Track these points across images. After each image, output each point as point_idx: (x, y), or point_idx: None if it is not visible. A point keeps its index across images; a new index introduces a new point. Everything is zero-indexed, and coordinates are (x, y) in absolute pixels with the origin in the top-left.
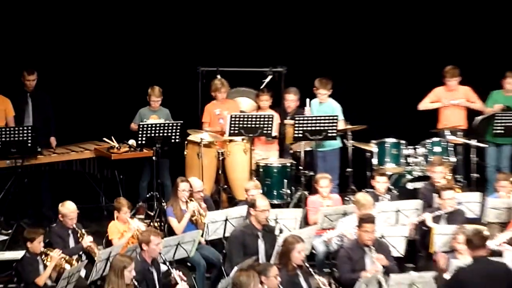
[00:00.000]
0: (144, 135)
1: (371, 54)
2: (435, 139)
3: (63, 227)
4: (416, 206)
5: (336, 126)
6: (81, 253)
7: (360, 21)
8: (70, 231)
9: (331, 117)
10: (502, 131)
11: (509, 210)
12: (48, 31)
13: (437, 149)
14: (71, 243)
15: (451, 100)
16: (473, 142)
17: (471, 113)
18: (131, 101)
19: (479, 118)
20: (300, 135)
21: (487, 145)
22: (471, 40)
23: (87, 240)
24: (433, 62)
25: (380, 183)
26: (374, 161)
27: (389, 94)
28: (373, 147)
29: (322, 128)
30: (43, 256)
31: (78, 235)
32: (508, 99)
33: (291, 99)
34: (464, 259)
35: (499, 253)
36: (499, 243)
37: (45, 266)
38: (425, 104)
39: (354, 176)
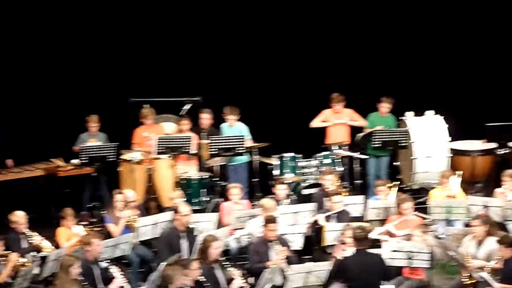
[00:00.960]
0: (85, 155)
1: (271, 84)
2: (325, 152)
3: (16, 232)
4: (310, 208)
5: (243, 144)
6: (35, 253)
7: (261, 54)
8: (22, 235)
9: (239, 137)
10: (380, 145)
11: (386, 210)
12: None
13: (327, 161)
14: (24, 245)
15: (335, 120)
16: (356, 155)
17: (354, 131)
18: (74, 127)
19: (361, 134)
20: (215, 152)
21: (367, 157)
22: (354, 68)
23: (38, 239)
24: (322, 88)
25: (280, 190)
26: (276, 172)
27: (287, 116)
28: (275, 160)
29: (232, 146)
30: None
31: (30, 237)
32: (383, 119)
33: (205, 117)
34: (351, 250)
35: (379, 245)
36: (376, 234)
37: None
38: (316, 123)
39: (260, 185)
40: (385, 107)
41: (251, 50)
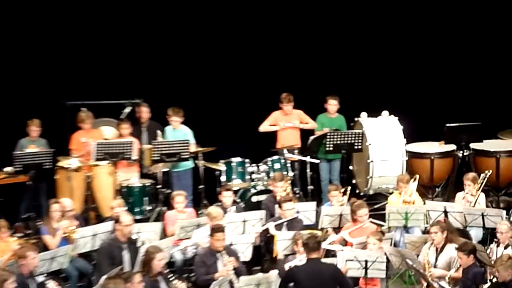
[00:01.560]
0: (19, 163)
1: (215, 85)
2: (275, 157)
3: None
4: (260, 216)
5: (188, 149)
6: None
7: (204, 53)
8: None
9: (183, 142)
10: (332, 148)
11: (340, 216)
12: None
13: (277, 165)
14: None
15: (286, 123)
16: (308, 159)
17: (305, 134)
18: (11, 132)
19: (312, 138)
20: (157, 158)
21: (319, 161)
22: (303, 68)
23: None
24: (270, 88)
25: (227, 197)
26: (223, 178)
27: (233, 118)
28: (221, 166)
29: (176, 151)
30: None
31: None
32: (332, 120)
33: (144, 111)
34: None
35: (333, 254)
36: (329, 243)
37: None
38: (265, 127)
39: (206, 192)
40: (332, 104)
41: (193, 49)
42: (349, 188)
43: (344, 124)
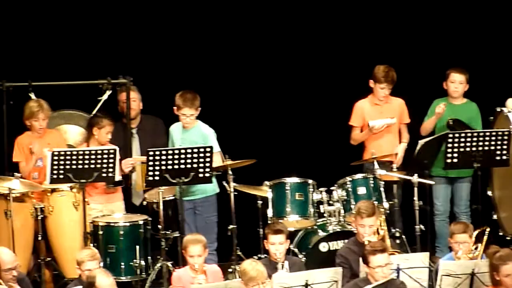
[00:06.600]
0: None
1: (253, 60)
2: (358, 176)
3: None
4: (333, 277)
5: (210, 161)
6: None
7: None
8: None
9: (202, 149)
10: (455, 160)
11: (471, 277)
12: None
13: (362, 190)
14: None
15: (380, 122)
16: (415, 178)
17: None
18: None
19: (423, 141)
20: (157, 177)
21: (432, 182)
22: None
23: None
24: (336, 69)
25: (277, 244)
26: (270, 212)
27: (285, 113)
28: (266, 191)
29: (188, 165)
30: None
31: None
32: (456, 109)
33: (132, 98)
34: None
35: None
36: None
37: None
38: (359, 135)
39: (240, 236)
40: (457, 82)
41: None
42: (487, 229)
43: (477, 117)
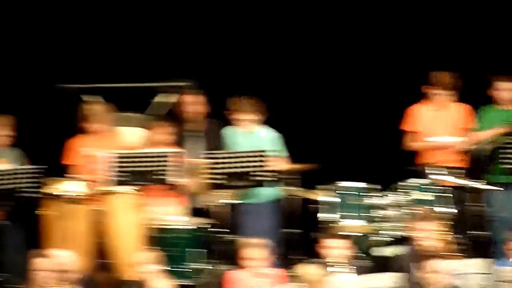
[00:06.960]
0: None
1: (313, 62)
2: (416, 181)
3: None
4: (393, 283)
5: (272, 166)
6: None
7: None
8: None
9: (263, 153)
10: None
11: None
12: None
13: (422, 195)
14: None
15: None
16: (475, 184)
17: None
18: None
19: (483, 146)
20: (218, 181)
21: (495, 188)
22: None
23: None
24: (397, 70)
25: (335, 249)
26: (324, 216)
27: (344, 116)
28: (322, 195)
29: (250, 169)
30: None
31: None
32: (507, 114)
33: (196, 101)
34: None
35: None
36: None
37: None
38: (418, 144)
39: (297, 241)
40: (506, 90)
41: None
42: None
43: None
